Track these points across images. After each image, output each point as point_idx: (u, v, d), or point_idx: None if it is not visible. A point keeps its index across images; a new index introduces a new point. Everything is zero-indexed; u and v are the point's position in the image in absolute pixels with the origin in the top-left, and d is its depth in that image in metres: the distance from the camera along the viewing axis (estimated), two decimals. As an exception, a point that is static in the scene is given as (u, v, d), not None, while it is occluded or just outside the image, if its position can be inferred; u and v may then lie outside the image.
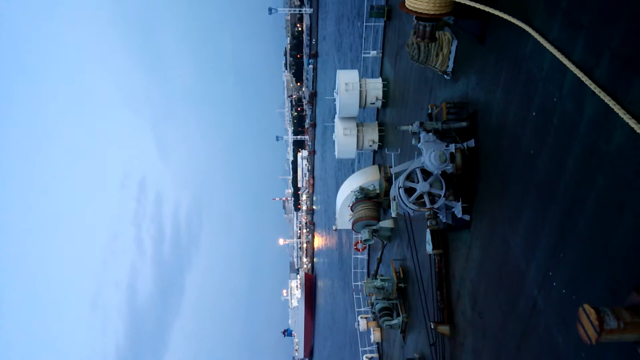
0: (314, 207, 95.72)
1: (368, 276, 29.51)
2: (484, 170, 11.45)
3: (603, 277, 7.02)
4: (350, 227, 25.36)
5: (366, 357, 29.60)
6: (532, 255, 9.04)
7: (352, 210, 24.39)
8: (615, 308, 5.96)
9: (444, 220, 13.72)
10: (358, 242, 30.75)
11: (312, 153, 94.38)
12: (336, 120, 26.75)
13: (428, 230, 14.36)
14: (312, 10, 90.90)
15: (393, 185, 13.39)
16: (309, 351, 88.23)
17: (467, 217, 12.31)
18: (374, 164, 28.77)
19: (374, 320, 25.78)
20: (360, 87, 24.35)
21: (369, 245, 29.04)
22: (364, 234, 23.80)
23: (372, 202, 23.62)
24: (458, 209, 12.37)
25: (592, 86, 6.82)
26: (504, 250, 10.36)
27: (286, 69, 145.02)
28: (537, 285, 8.87)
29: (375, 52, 27.89)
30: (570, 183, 7.78)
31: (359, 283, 33.46)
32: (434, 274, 14.70)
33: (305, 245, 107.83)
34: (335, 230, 32.69)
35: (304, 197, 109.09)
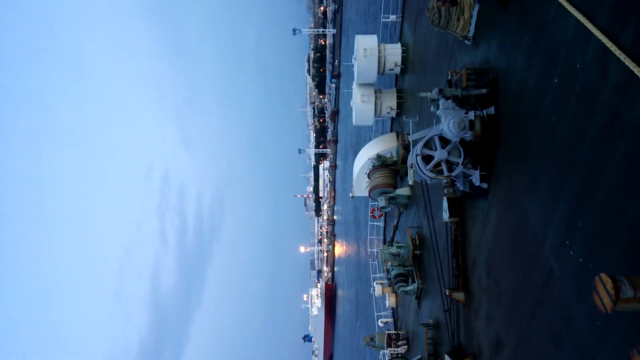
0: (335, 217, 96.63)
1: (384, 243, 29.72)
2: (503, 138, 11.32)
3: (621, 246, 6.98)
4: (367, 194, 25.42)
5: (381, 322, 30.07)
6: (550, 223, 9.00)
7: (369, 178, 24.40)
8: (633, 277, 5.95)
9: (461, 189, 13.66)
10: (375, 209, 30.86)
11: (334, 167, 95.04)
12: (354, 86, 26.47)
13: (445, 198, 14.34)
14: (335, 30, 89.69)
15: (411, 152, 13.32)
16: (329, 356, 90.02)
17: (484, 186, 12.25)
18: (391, 131, 28.57)
19: (389, 286, 26.07)
20: (378, 53, 23.98)
21: (386, 212, 29.13)
22: (381, 201, 23.87)
23: (390, 169, 23.58)
24: (476, 177, 12.30)
25: (617, 52, 6.64)
26: (521, 218, 10.32)
27: (309, 75, 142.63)
28: (553, 253, 8.86)
29: (394, 16, 27.33)
30: (591, 151, 7.67)
31: (375, 250, 33.73)
32: (450, 241, 14.74)
33: (325, 254, 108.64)
34: (352, 197, 32.80)
35: (325, 206, 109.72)
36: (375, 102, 25.95)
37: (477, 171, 12.21)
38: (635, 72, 6.22)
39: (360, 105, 26.08)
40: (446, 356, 14.79)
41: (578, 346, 8.06)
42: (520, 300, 10.43)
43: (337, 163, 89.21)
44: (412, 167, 13.21)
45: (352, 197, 32.46)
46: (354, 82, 26.30)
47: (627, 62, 6.39)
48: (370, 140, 30.86)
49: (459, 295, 14.20)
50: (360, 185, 27.31)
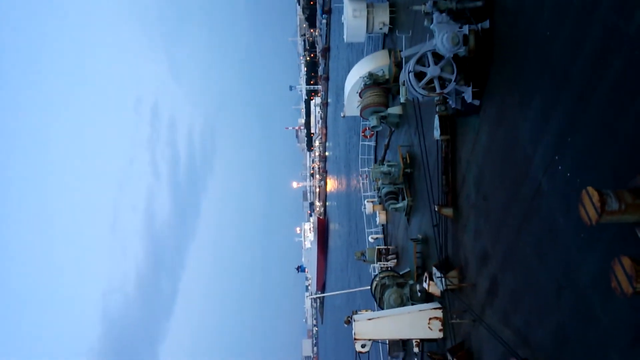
0: (326, 153, 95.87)
1: (375, 162, 29.93)
2: (498, 54, 11.11)
3: (609, 161, 7.07)
4: (358, 113, 25.23)
5: (372, 238, 30.93)
6: (540, 139, 9.05)
7: (360, 97, 24.10)
8: (618, 190, 6.07)
9: (453, 106, 13.57)
10: (366, 129, 30.78)
11: (325, 105, 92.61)
12: (345, 1, 25.50)
13: (437, 115, 14.27)
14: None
15: (403, 70, 13.10)
16: (322, 285, 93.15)
17: (477, 102, 12.17)
18: (383, 48, 27.88)
19: (379, 203, 26.56)
20: (371, -36, 22.90)
21: (377, 131, 29.09)
22: (372, 121, 23.73)
23: (381, 88, 23.23)
24: (468, 94, 12.18)
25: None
26: (512, 135, 10.36)
27: (299, 5, 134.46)
28: (542, 168, 8.99)
29: None
30: (585, 66, 7.57)
31: (366, 169, 34.02)
32: (440, 159, 14.87)
33: (317, 189, 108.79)
34: (344, 117, 32.53)
35: (317, 143, 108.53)
36: (368, 17, 25.09)
37: (470, 88, 12.07)
38: (637, -19, 6.01)
39: (352, 21, 25.25)
40: (434, 268, 15.38)
41: (562, 257, 8.38)
42: (508, 214, 10.70)
43: (329, 100, 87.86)
44: (404, 85, 13.04)
45: (344, 116, 32.21)
46: (345, -4, 25.30)
47: (630, -30, 6.15)
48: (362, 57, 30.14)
49: (448, 211, 14.53)
50: (352, 105, 26.99)
